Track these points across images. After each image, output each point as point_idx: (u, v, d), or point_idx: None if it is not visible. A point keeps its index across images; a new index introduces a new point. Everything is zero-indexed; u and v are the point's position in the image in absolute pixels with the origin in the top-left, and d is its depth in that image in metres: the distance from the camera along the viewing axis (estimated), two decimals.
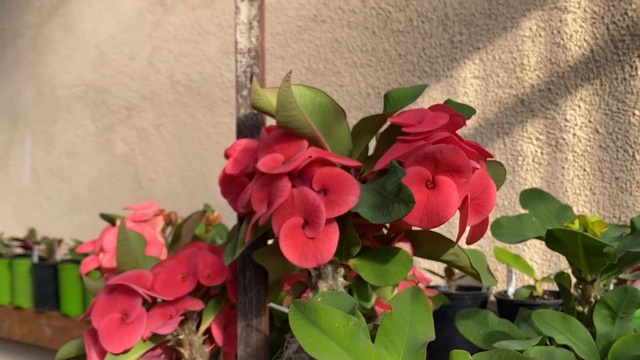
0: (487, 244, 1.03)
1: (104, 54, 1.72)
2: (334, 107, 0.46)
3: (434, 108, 0.47)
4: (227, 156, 0.50)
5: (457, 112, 0.45)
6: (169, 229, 0.76)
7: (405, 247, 0.48)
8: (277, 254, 0.49)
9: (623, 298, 0.55)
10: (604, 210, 0.93)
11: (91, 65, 1.76)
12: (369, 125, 0.48)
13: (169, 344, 0.50)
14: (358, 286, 0.49)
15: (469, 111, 0.48)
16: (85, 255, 1.50)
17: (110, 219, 0.71)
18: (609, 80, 0.93)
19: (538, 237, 0.58)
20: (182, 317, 0.49)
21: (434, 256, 0.51)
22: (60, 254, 1.69)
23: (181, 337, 0.49)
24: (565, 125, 0.96)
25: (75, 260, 1.56)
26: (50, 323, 1.58)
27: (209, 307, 0.53)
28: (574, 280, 0.66)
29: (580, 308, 0.58)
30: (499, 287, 1.02)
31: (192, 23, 1.50)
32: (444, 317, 0.84)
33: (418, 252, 0.51)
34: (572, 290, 0.62)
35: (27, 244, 1.68)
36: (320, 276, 0.47)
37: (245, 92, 0.53)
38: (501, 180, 0.50)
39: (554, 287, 0.96)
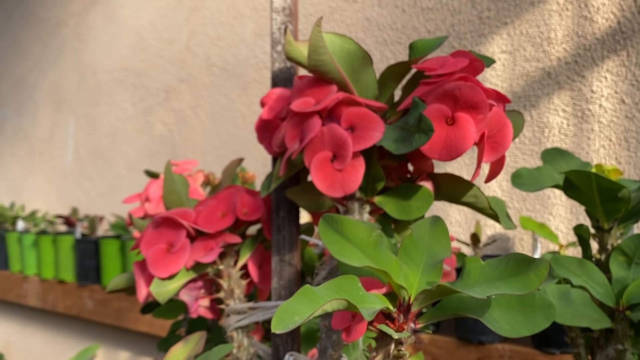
0: (513, 214, 1.05)
1: (144, 40, 1.79)
2: (361, 53, 0.49)
3: (455, 54, 0.50)
4: (262, 104, 0.54)
5: (476, 57, 0.49)
6: (207, 189, 0.81)
7: (426, 185, 0.51)
8: (309, 191, 0.53)
9: (639, 244, 0.58)
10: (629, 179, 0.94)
11: (131, 50, 1.83)
12: (394, 72, 0.52)
13: (210, 275, 0.55)
14: (383, 223, 0.53)
15: (488, 60, 0.51)
16: (124, 228, 1.56)
17: (154, 175, 0.76)
18: (635, 51, 0.94)
19: (556, 186, 0.61)
20: (222, 250, 0.54)
21: (455, 198, 0.54)
22: (102, 230, 1.77)
23: (221, 267, 0.54)
24: (592, 97, 0.98)
25: (116, 235, 1.64)
26: (92, 296, 1.66)
27: (245, 245, 0.57)
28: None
29: (597, 255, 0.61)
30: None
31: (228, 7, 1.55)
32: None
33: (439, 194, 0.54)
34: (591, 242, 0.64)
35: (70, 220, 1.77)
36: (348, 212, 0.51)
37: (279, 48, 0.58)
38: (519, 128, 0.53)
39: (578, 253, 0.98)
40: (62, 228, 1.98)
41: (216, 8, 1.58)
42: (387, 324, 0.35)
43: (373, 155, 0.48)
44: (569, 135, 1.00)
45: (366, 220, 0.52)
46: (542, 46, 1.02)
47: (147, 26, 1.78)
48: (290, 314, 0.30)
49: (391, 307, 0.35)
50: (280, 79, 0.58)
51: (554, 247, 1.00)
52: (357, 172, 0.46)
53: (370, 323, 0.36)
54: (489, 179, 0.50)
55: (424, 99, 0.47)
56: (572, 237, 1.00)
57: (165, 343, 0.70)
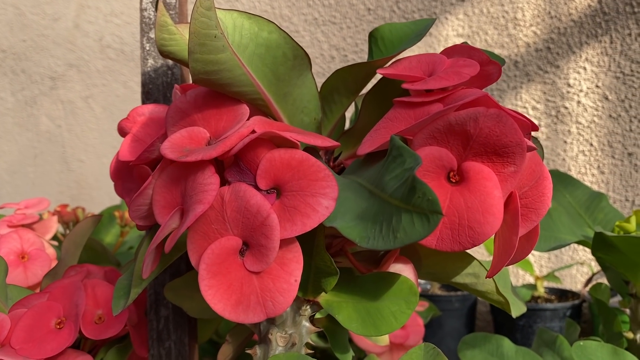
0: None
1: (23, 15, 1.49)
2: (291, 49, 0.28)
3: (449, 51, 0.29)
4: (122, 132, 0.32)
5: (489, 58, 0.28)
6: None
7: (405, 271, 0.31)
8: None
9: None
10: (615, 192, 0.78)
11: (8, 28, 1.52)
12: (346, 81, 0.31)
13: None
14: (332, 330, 0.32)
15: (501, 61, 0.31)
16: None
17: None
18: (620, 36, 0.78)
19: (579, 242, 0.42)
20: None
21: (442, 277, 0.35)
22: None
23: None
24: (568, 92, 0.80)
25: None
26: None
27: None
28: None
29: (630, 335, 0.43)
30: None
31: None
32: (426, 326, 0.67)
33: (419, 271, 0.34)
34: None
35: None
36: (274, 321, 0.30)
37: (153, 34, 0.35)
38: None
39: (552, 284, 0.81)
40: None
41: None
42: None
43: (317, 235, 0.27)
44: (541, 138, 0.82)
45: (305, 334, 0.31)
46: (507, 29, 0.84)
47: None
48: None
49: None
50: (157, 84, 0.35)
51: (529, 277, 0.83)
52: (289, 274, 0.25)
53: None
54: (508, 262, 0.29)
55: (408, 138, 0.26)
56: (547, 262, 0.83)
57: None
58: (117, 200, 1.30)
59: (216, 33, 0.25)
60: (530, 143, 0.26)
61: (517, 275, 0.84)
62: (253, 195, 0.24)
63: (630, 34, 0.77)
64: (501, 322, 0.76)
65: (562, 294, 0.77)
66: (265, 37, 0.27)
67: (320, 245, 0.27)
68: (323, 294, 0.30)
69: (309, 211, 0.24)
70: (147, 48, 0.35)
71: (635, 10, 0.77)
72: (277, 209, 0.25)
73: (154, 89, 0.35)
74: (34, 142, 1.48)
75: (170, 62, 0.35)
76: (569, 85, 0.81)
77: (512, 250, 0.25)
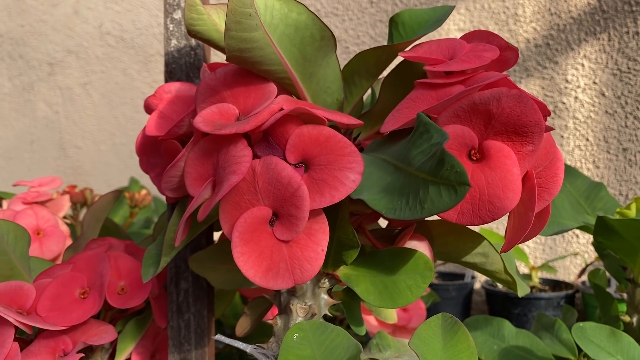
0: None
1: (21, 0, 1.48)
2: (319, 30, 0.29)
3: (469, 37, 0.31)
4: (148, 109, 0.33)
5: (507, 44, 0.29)
6: (84, 211, 0.58)
7: (420, 247, 0.32)
8: (229, 260, 0.32)
9: None
10: (609, 187, 0.80)
11: (6, 13, 1.51)
12: (368, 63, 0.32)
13: None
14: (349, 304, 0.34)
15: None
16: None
17: None
18: (618, 34, 0.79)
19: (580, 228, 0.44)
20: (82, 355, 0.32)
21: (453, 257, 0.36)
22: None
23: None
24: (566, 87, 0.82)
25: None
26: None
27: (127, 330, 0.36)
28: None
29: (627, 318, 0.45)
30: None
31: None
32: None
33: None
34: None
35: None
36: (294, 292, 0.31)
37: (178, 14, 0.36)
38: None
39: (546, 274, 0.83)
40: None
41: None
42: None
43: (341, 209, 0.28)
44: None
45: (324, 306, 0.32)
46: (508, 24, 0.86)
47: None
48: None
49: None
50: (180, 64, 0.36)
51: (523, 268, 0.84)
52: (316, 243, 0.26)
53: None
54: (522, 239, 0.31)
55: (431, 115, 0.27)
56: (541, 253, 0.85)
57: None
58: (113, 187, 1.30)
59: (251, 12, 0.26)
60: (546, 124, 0.27)
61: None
62: (284, 168, 0.26)
63: (628, 32, 0.79)
64: (496, 310, 0.77)
65: (556, 284, 0.79)
66: (294, 18, 0.29)
67: (344, 219, 0.28)
68: (341, 267, 0.31)
69: (337, 184, 0.26)
70: (171, 28, 0.36)
71: (634, 8, 0.78)
72: (306, 181, 0.26)
73: (177, 68, 0.36)
74: (30, 128, 1.47)
75: (193, 42, 0.36)
76: (567, 81, 0.83)
77: (528, 225, 0.27)
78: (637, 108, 0.79)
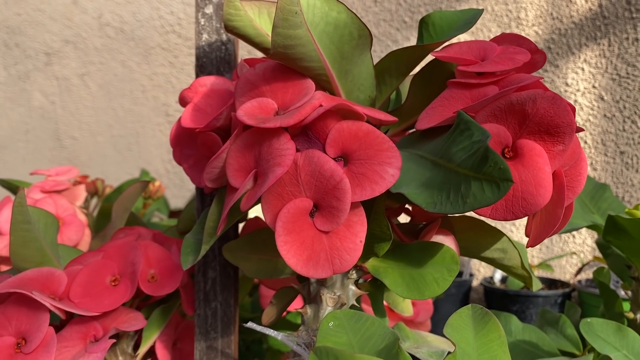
0: None
1: None
2: (357, 29, 0.30)
3: (499, 39, 0.32)
4: (183, 101, 0.33)
5: (536, 47, 0.31)
6: (94, 201, 0.58)
7: (447, 241, 0.33)
8: (260, 250, 0.33)
9: None
10: None
11: (3, 1, 1.50)
12: (398, 62, 0.33)
13: None
14: (374, 296, 0.35)
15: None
16: None
17: (11, 187, 0.52)
18: (618, 40, 0.81)
19: (590, 227, 0.45)
20: (114, 340, 0.33)
21: (473, 252, 0.37)
22: None
23: None
24: (566, 91, 0.84)
25: None
26: None
27: (152, 319, 0.36)
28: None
29: (630, 315, 0.46)
30: (483, 272, 0.91)
31: None
32: None
33: None
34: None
35: None
36: (324, 283, 0.32)
37: (210, 9, 0.36)
38: None
39: (542, 273, 0.85)
40: None
41: None
42: None
43: (377, 202, 0.29)
44: None
45: (352, 297, 0.33)
46: (510, 27, 0.87)
47: None
48: None
49: None
50: (211, 58, 0.37)
51: None
52: (355, 235, 0.27)
53: None
54: (541, 239, 0.32)
55: (468, 114, 0.28)
56: (539, 252, 0.87)
57: None
58: (109, 179, 1.30)
59: (297, 9, 0.27)
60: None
61: None
62: (327, 161, 0.27)
63: (627, 38, 0.81)
64: (494, 307, 0.79)
65: (552, 283, 0.81)
66: (334, 16, 0.29)
67: (379, 212, 0.29)
68: (370, 260, 0.32)
69: (377, 178, 0.27)
70: (202, 23, 0.37)
71: (634, 15, 0.80)
72: (347, 174, 0.27)
73: (208, 62, 0.37)
74: (25, 118, 1.46)
75: (224, 37, 0.37)
76: (567, 84, 0.84)
77: (557, 222, 0.28)
78: (635, 112, 0.81)
